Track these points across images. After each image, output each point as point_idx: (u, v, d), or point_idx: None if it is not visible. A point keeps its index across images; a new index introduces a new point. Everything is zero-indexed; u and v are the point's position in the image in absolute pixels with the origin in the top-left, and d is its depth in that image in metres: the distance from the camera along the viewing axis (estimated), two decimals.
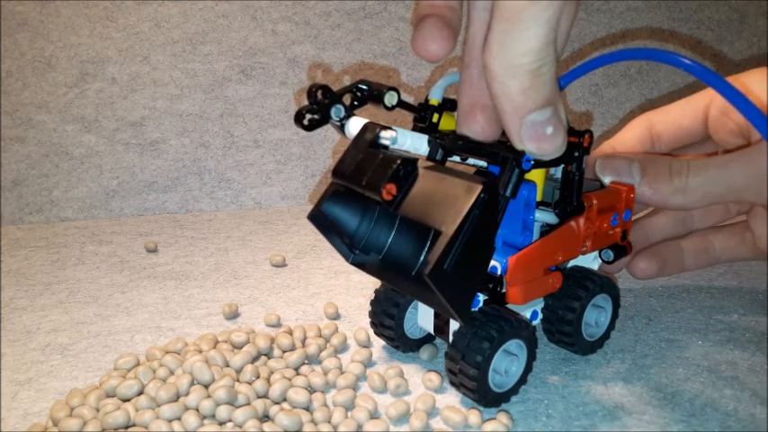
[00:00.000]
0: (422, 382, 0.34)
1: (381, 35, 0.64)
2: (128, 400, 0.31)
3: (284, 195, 0.63)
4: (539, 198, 0.33)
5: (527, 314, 0.35)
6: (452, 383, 0.32)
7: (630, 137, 0.42)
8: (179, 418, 0.30)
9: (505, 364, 0.31)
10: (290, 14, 0.63)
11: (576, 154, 0.32)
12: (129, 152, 0.61)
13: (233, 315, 0.41)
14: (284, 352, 0.36)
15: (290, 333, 0.37)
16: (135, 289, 0.46)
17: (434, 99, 0.36)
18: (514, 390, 0.32)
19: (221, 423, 0.30)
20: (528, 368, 0.32)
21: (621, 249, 0.37)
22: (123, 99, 0.61)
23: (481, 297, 0.32)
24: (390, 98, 0.35)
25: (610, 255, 0.37)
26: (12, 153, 0.59)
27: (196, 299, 0.44)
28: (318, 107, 0.33)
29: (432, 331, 0.35)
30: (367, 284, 0.46)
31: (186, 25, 0.61)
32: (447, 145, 0.32)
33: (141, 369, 0.33)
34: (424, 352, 0.36)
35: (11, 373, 0.35)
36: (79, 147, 0.60)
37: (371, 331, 0.37)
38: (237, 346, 0.36)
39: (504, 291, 0.32)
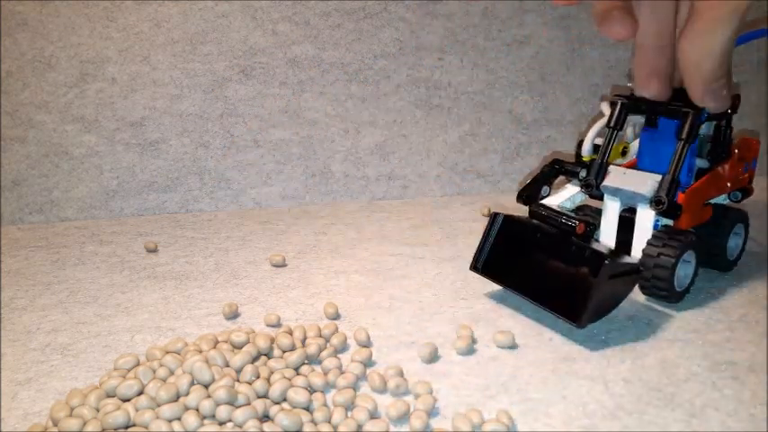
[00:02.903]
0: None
1: (381, 35, 0.64)
2: (128, 400, 0.31)
3: (284, 195, 0.63)
4: None
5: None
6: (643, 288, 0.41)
7: None
8: (179, 418, 0.30)
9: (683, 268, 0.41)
10: (290, 14, 0.63)
11: (729, 112, 0.42)
12: (129, 152, 0.61)
13: (233, 315, 0.41)
14: (284, 352, 0.36)
15: (290, 333, 0.37)
16: (135, 289, 0.46)
17: (587, 156, 0.46)
18: (689, 289, 0.42)
19: (221, 423, 0.30)
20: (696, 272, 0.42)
21: (746, 191, 0.46)
22: (123, 99, 0.61)
23: (660, 222, 0.41)
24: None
25: (738, 195, 0.46)
26: (12, 153, 0.59)
27: (196, 299, 0.44)
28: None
29: (613, 247, 0.43)
30: (367, 284, 0.46)
31: (186, 25, 0.61)
32: (631, 105, 0.42)
33: (141, 369, 0.33)
34: (424, 351, 0.36)
35: (11, 373, 0.35)
36: (79, 147, 0.60)
37: (371, 331, 0.37)
38: (237, 346, 0.36)
39: (679, 213, 0.40)
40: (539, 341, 0.38)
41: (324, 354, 0.36)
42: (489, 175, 0.67)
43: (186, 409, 0.30)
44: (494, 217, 0.43)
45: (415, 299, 0.43)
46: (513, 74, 0.68)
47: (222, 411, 0.30)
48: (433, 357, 0.36)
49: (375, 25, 0.64)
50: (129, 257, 0.51)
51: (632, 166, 0.44)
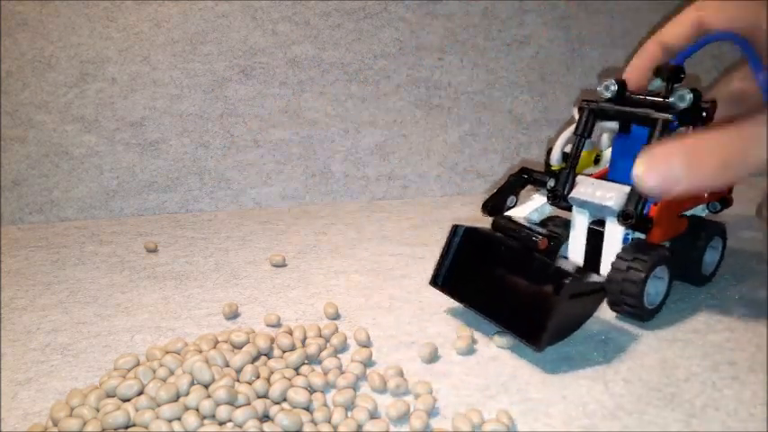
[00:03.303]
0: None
1: (381, 35, 0.64)
2: (128, 400, 0.31)
3: (284, 195, 0.63)
4: None
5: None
6: (612, 305, 0.39)
7: (676, 34, 0.43)
8: (179, 418, 0.30)
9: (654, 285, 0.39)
10: (290, 14, 0.63)
11: (705, 115, 0.38)
12: (129, 152, 0.61)
13: (233, 315, 0.41)
14: (284, 352, 0.36)
15: (290, 333, 0.37)
16: (135, 289, 0.46)
17: (556, 165, 0.43)
18: (660, 307, 0.40)
19: (221, 423, 0.30)
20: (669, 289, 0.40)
21: (726, 202, 0.45)
22: (123, 99, 0.61)
23: (630, 235, 0.40)
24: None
25: (717, 206, 0.45)
26: (12, 153, 0.59)
27: (196, 299, 0.44)
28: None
29: (581, 264, 0.41)
30: (367, 284, 0.46)
31: (186, 25, 0.61)
32: (599, 111, 0.41)
33: (141, 369, 0.33)
34: (424, 351, 0.36)
35: (11, 373, 0.35)
36: (79, 147, 0.60)
37: (371, 331, 0.37)
38: (237, 346, 0.36)
39: (650, 227, 0.39)
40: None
41: (324, 354, 0.36)
42: (489, 175, 0.67)
43: (186, 409, 0.30)
44: (455, 229, 0.41)
45: (415, 299, 0.43)
46: (513, 74, 0.68)
47: (222, 411, 0.30)
48: (433, 357, 0.36)
49: (375, 25, 0.64)
50: (129, 257, 0.51)
51: (604, 175, 0.42)
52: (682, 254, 0.42)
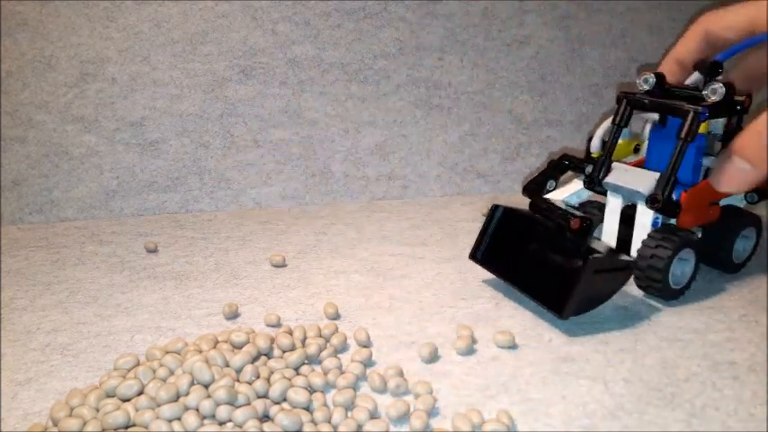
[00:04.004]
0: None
1: (381, 35, 0.64)
2: (128, 400, 0.31)
3: (284, 195, 0.63)
4: None
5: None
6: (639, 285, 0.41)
7: (687, 48, 0.46)
8: (179, 418, 0.30)
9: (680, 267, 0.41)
10: (290, 14, 0.63)
11: (739, 108, 0.42)
12: (129, 152, 0.61)
13: (233, 315, 0.41)
14: (284, 352, 0.36)
15: (290, 333, 0.37)
16: (135, 289, 0.46)
17: (595, 152, 0.45)
18: (687, 287, 0.42)
19: (221, 423, 0.30)
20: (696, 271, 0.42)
21: (764, 193, 0.46)
22: (123, 99, 0.61)
23: (659, 219, 0.42)
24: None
25: (754, 197, 0.46)
26: (12, 153, 0.59)
27: (196, 299, 0.44)
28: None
29: (613, 245, 0.44)
30: (367, 284, 0.46)
31: (186, 25, 0.61)
32: (634, 101, 0.43)
33: (141, 369, 0.33)
34: (424, 351, 0.36)
35: (11, 373, 0.35)
36: (79, 147, 0.60)
37: (371, 331, 0.37)
38: (237, 346, 0.36)
39: (678, 212, 0.41)
40: (539, 341, 0.38)
41: (324, 354, 0.36)
42: (489, 175, 0.67)
43: (186, 409, 0.30)
44: (494, 209, 0.45)
45: (415, 299, 0.43)
46: (513, 74, 0.68)
47: (222, 411, 0.30)
48: (433, 357, 0.36)
49: (375, 25, 0.64)
50: (129, 257, 0.51)
51: (641, 163, 0.45)
52: (713, 241, 0.44)
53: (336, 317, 0.41)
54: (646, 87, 0.43)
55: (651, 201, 0.40)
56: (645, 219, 0.42)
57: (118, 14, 0.60)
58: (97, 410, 0.31)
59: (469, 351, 0.37)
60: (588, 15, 0.69)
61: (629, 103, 0.43)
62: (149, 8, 0.60)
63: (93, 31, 0.59)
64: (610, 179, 0.43)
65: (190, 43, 0.61)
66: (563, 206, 0.43)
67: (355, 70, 0.64)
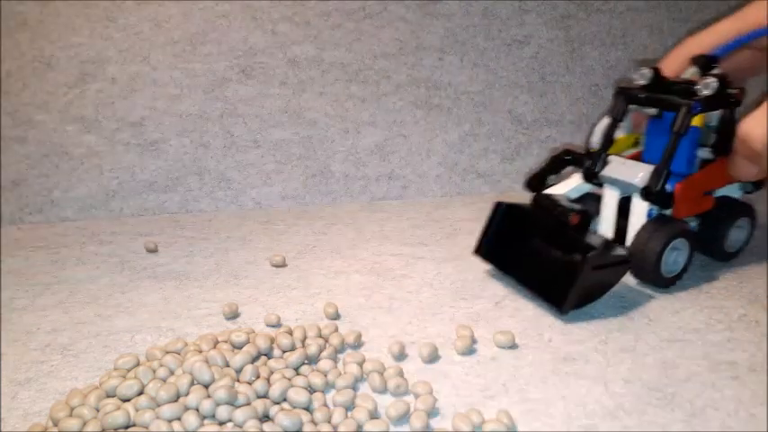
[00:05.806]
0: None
1: (381, 35, 0.64)
2: (128, 400, 0.31)
3: (284, 195, 0.63)
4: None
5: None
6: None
7: (672, 70, 0.47)
8: (179, 418, 0.30)
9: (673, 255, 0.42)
10: (290, 14, 0.63)
11: (732, 101, 0.42)
12: (129, 152, 0.61)
13: (233, 315, 0.41)
14: (284, 352, 0.36)
15: (290, 333, 0.37)
16: (135, 289, 0.46)
17: (594, 146, 0.46)
18: (680, 276, 0.43)
19: (221, 423, 0.30)
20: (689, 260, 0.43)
21: (759, 183, 0.47)
22: (123, 99, 0.61)
23: (654, 210, 0.42)
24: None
25: (749, 187, 0.46)
26: (12, 153, 0.59)
27: (196, 299, 0.44)
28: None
29: (610, 236, 0.45)
30: (367, 284, 0.46)
31: (186, 25, 0.61)
32: (631, 96, 0.44)
33: (141, 369, 0.33)
34: (424, 351, 0.36)
35: (11, 373, 0.35)
36: (79, 147, 0.60)
37: (372, 331, 0.37)
38: (237, 346, 0.36)
39: (671, 203, 0.42)
40: (539, 341, 0.38)
41: (324, 354, 0.36)
42: (489, 175, 0.67)
43: (186, 409, 0.30)
44: (497, 205, 0.46)
45: (415, 299, 0.43)
46: (513, 74, 0.68)
47: (222, 411, 0.30)
48: (433, 357, 0.36)
49: (375, 25, 0.64)
50: (129, 257, 0.51)
51: (639, 155, 0.46)
52: (706, 230, 0.45)
53: (336, 317, 0.41)
54: (642, 82, 0.44)
55: (645, 192, 0.41)
56: (640, 210, 0.43)
57: (118, 14, 0.60)
58: (97, 410, 0.31)
59: (469, 351, 0.37)
60: (588, 15, 0.69)
61: (625, 98, 0.44)
62: (149, 8, 0.60)
63: (93, 31, 0.59)
64: (606, 172, 0.44)
65: (190, 43, 0.61)
66: (564, 202, 0.43)
67: (355, 70, 0.64)
